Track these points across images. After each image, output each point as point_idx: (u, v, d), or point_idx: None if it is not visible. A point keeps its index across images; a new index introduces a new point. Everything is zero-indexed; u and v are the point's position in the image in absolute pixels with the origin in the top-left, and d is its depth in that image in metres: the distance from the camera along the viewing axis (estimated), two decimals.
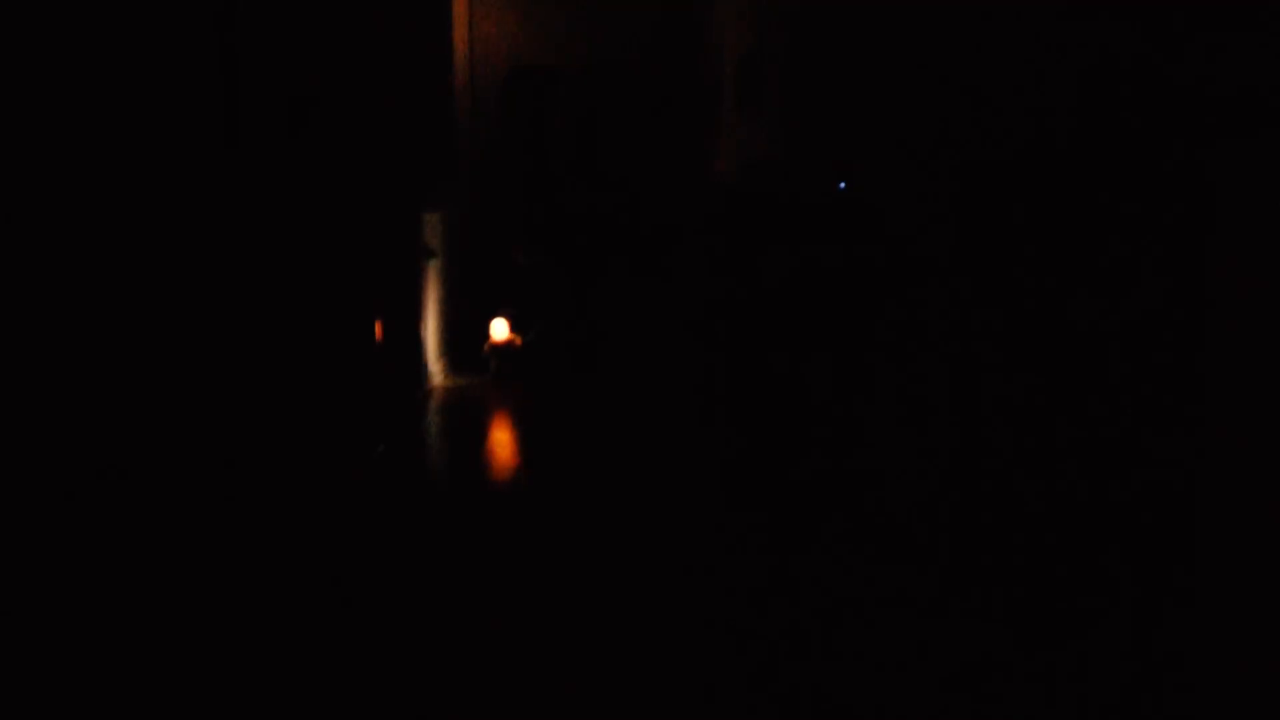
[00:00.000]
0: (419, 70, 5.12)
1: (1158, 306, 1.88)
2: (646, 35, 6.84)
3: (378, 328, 4.06)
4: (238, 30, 2.47)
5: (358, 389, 3.65)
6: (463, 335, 6.36)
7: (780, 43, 4.60)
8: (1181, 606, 1.82)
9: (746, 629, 2.39)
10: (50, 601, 1.57)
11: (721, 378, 4.03)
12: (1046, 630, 2.21)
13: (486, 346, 5.99)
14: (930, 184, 2.85)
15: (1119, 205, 2.00)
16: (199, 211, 2.28)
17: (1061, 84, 2.20)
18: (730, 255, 3.87)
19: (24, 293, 1.57)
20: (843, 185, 3.49)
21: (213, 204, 2.35)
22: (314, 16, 3.18)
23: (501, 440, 4.47)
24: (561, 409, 5.20)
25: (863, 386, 3.28)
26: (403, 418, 4.59)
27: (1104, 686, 1.98)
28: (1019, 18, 2.37)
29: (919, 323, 2.91)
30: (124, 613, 1.78)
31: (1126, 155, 1.98)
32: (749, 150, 5.34)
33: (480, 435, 4.53)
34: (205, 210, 2.31)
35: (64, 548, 1.62)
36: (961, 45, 2.65)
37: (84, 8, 1.75)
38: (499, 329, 5.98)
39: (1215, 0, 1.71)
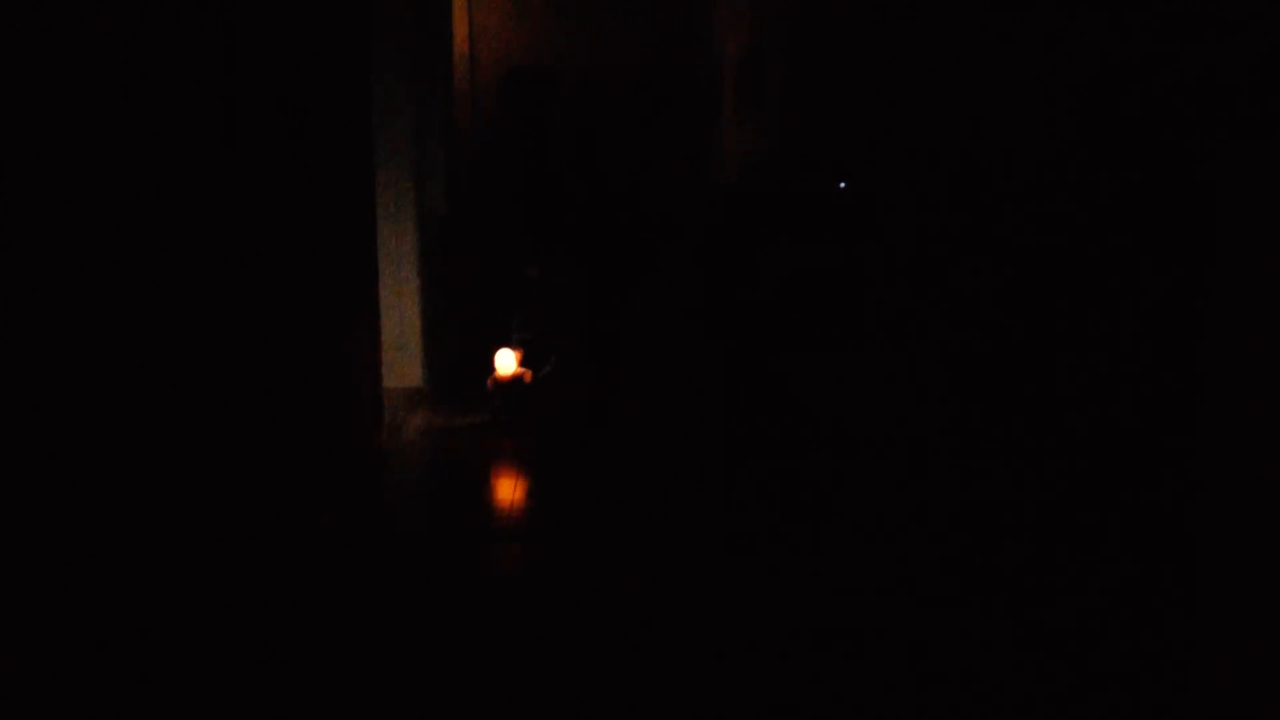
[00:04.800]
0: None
1: (1158, 308, 1.88)
2: (646, 35, 6.84)
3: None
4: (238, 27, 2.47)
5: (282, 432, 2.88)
6: (457, 362, 5.54)
7: (780, 43, 4.60)
8: (1181, 610, 1.82)
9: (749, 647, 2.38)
10: None
11: (724, 388, 3.98)
12: (1044, 632, 2.20)
13: (490, 382, 4.99)
14: (929, 183, 2.84)
15: (1118, 206, 2.00)
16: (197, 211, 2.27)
17: (1062, 82, 2.19)
18: (730, 256, 3.87)
19: (20, 287, 1.56)
20: (843, 185, 3.49)
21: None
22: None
23: (496, 495, 3.70)
24: (573, 462, 4.21)
25: (862, 386, 3.27)
26: (359, 470, 3.76)
27: (1102, 689, 1.98)
28: (1019, 16, 2.37)
29: (914, 322, 2.90)
30: None
31: (1127, 155, 1.98)
32: (749, 150, 5.34)
33: (467, 494, 3.73)
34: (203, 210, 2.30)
35: None
36: (962, 45, 2.65)
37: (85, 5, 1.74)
38: (505, 362, 4.98)
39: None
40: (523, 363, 5.05)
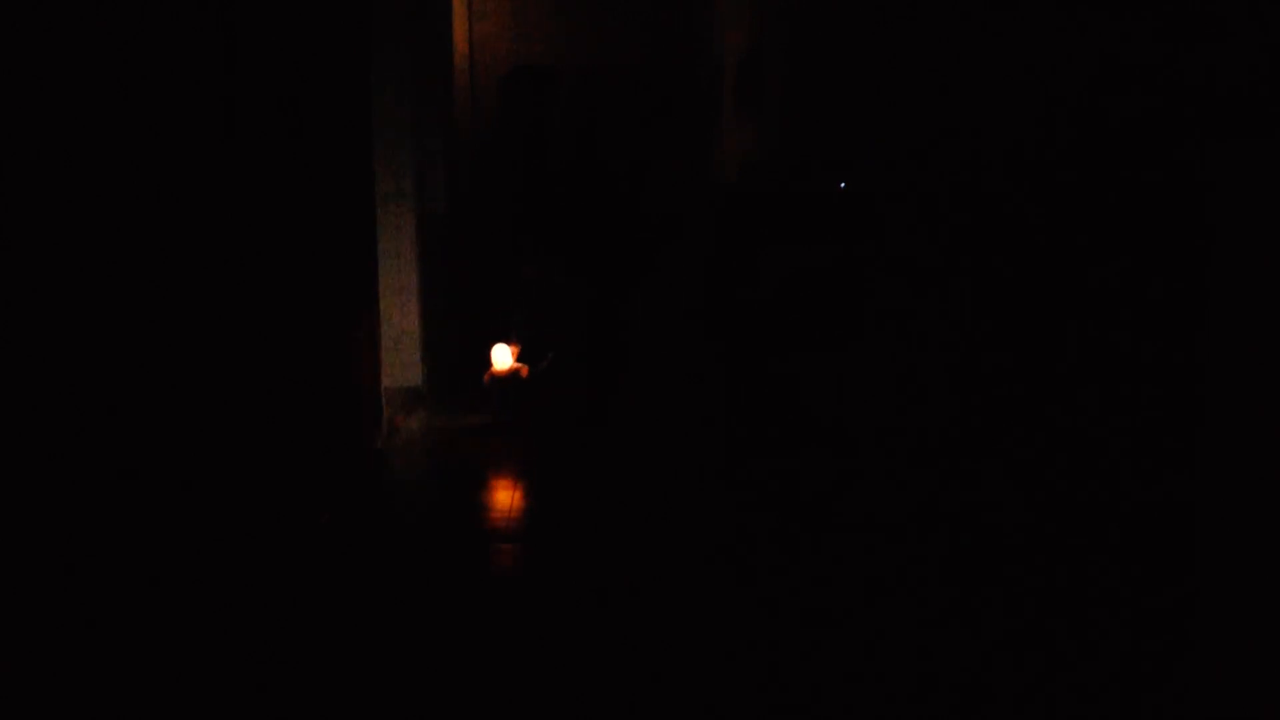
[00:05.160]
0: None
1: (1157, 307, 1.88)
2: (646, 35, 6.84)
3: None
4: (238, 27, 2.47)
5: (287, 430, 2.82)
6: (456, 362, 5.49)
7: (780, 43, 4.60)
8: (1181, 611, 1.82)
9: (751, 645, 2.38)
10: None
11: (724, 388, 3.96)
12: (1044, 632, 2.20)
13: (486, 377, 4.99)
14: (928, 183, 2.84)
15: (1118, 206, 2.00)
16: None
17: (1061, 83, 2.19)
18: (730, 256, 3.87)
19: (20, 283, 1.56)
20: (843, 185, 3.49)
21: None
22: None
23: (493, 498, 3.62)
24: (572, 463, 4.17)
25: (862, 386, 3.27)
26: (358, 471, 3.72)
27: (1103, 689, 1.98)
28: (1018, 17, 2.37)
29: (915, 322, 2.90)
30: None
31: (1126, 156, 1.98)
32: (749, 150, 5.34)
33: (466, 495, 3.67)
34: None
35: None
36: (961, 45, 2.65)
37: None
38: (501, 357, 4.99)
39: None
40: (519, 358, 5.03)
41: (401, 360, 5.09)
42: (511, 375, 4.94)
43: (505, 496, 3.64)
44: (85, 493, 1.74)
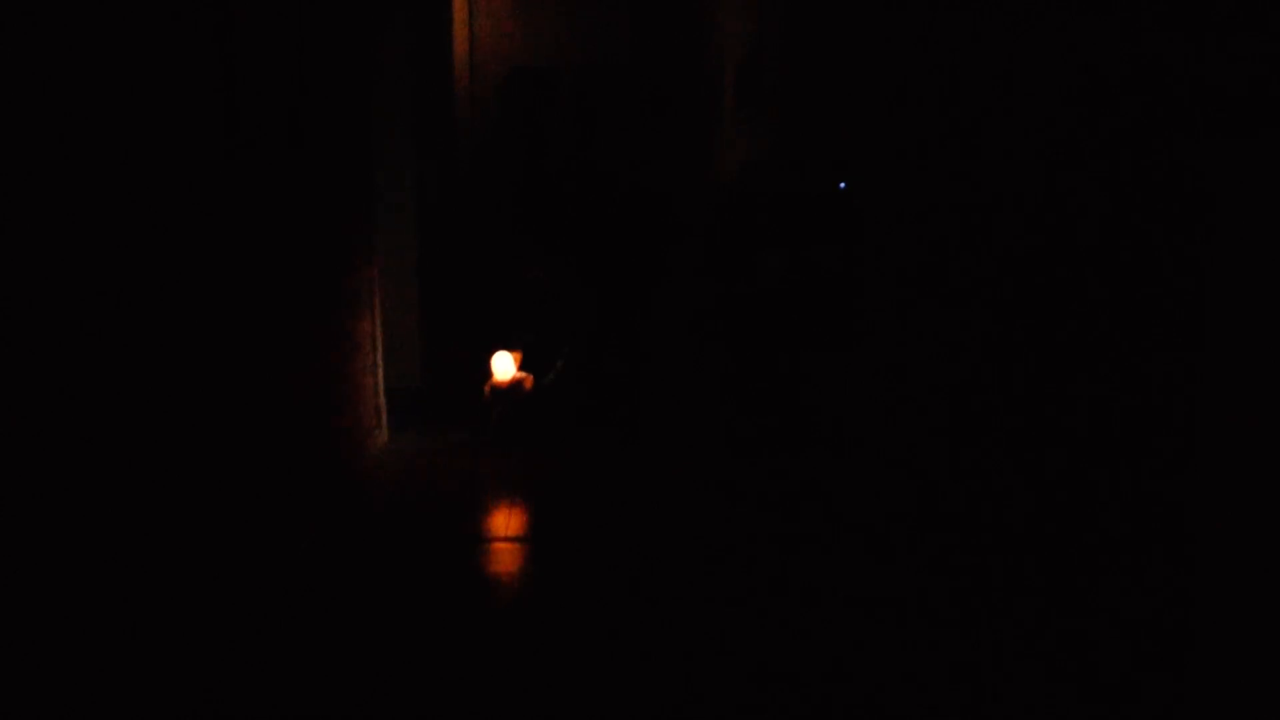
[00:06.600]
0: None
1: (1156, 306, 1.87)
2: (647, 35, 6.84)
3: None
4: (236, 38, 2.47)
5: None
6: (457, 367, 5.24)
7: (779, 44, 4.59)
8: (1180, 611, 1.81)
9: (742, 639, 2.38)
10: None
11: (725, 388, 3.94)
12: (1043, 632, 2.20)
13: (487, 389, 4.70)
14: (928, 183, 2.84)
15: (1116, 206, 1.99)
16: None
17: (1060, 83, 2.19)
18: (729, 256, 3.87)
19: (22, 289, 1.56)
20: (843, 185, 3.48)
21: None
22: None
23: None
24: (574, 475, 3.94)
25: (861, 385, 3.27)
26: (353, 480, 3.60)
27: (1103, 690, 1.97)
28: (1017, 18, 2.36)
29: (915, 322, 2.90)
30: None
31: (1124, 155, 1.97)
32: (749, 150, 5.34)
33: (462, 506, 3.48)
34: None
35: None
36: (961, 46, 2.64)
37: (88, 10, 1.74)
38: (502, 366, 4.70)
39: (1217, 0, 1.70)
40: (523, 366, 4.79)
41: (402, 362, 5.07)
42: (514, 386, 4.64)
43: (503, 511, 3.56)
44: (82, 498, 1.74)
